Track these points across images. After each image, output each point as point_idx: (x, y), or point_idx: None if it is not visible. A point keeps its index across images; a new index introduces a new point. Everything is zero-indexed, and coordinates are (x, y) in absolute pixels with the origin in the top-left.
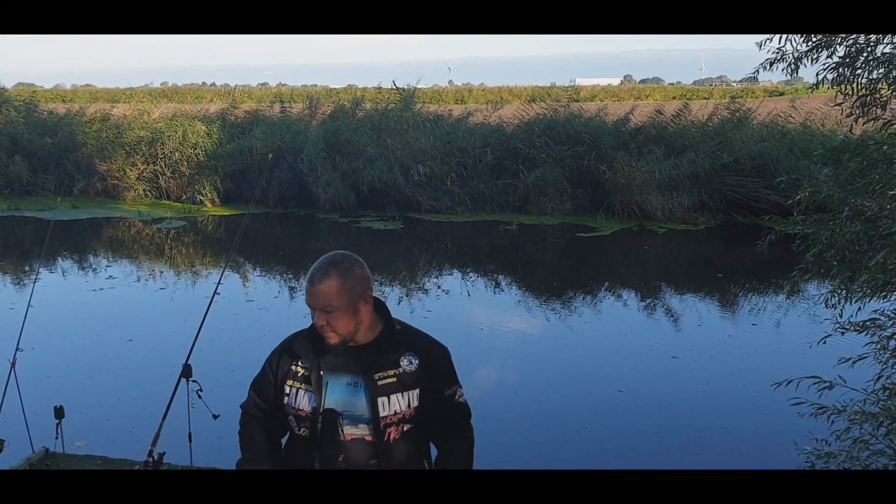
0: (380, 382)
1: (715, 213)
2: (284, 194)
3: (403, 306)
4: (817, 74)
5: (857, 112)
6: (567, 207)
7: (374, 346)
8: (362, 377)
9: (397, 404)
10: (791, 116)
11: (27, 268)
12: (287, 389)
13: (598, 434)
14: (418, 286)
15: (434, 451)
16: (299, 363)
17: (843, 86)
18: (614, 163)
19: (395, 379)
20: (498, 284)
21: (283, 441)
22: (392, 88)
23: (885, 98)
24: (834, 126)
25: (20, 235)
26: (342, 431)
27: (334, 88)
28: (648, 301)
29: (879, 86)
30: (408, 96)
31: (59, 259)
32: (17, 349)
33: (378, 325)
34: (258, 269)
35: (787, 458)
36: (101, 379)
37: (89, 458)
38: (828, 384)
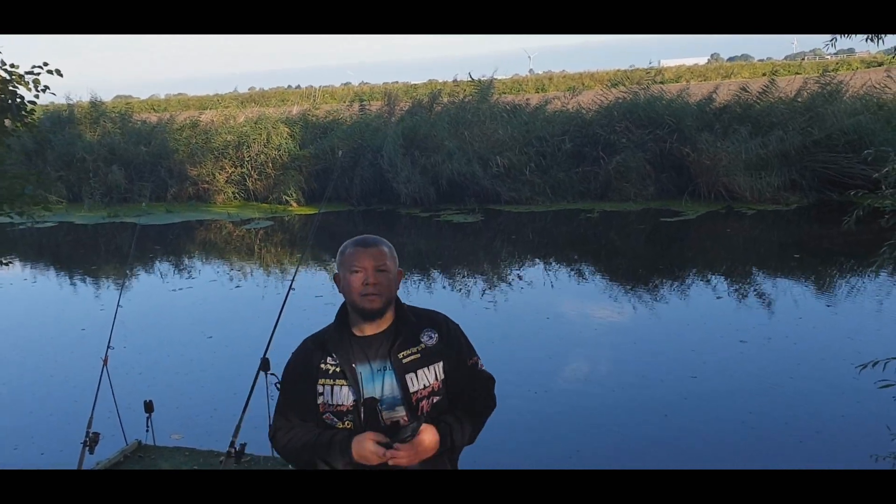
0: (405, 360)
1: (807, 192)
2: (366, 191)
3: (486, 298)
4: None
5: None
6: (650, 192)
7: (392, 330)
8: (388, 361)
9: (425, 378)
10: (888, 87)
11: (128, 272)
12: (320, 389)
13: (678, 421)
14: (500, 278)
15: None
16: (328, 361)
17: None
18: (698, 144)
19: (418, 355)
20: (581, 274)
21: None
22: (468, 81)
23: None
24: None
25: (119, 240)
26: (382, 417)
27: (414, 84)
28: (734, 286)
29: None
30: (484, 88)
31: (154, 261)
32: (108, 347)
33: (392, 311)
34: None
35: (879, 444)
36: (187, 375)
37: (178, 450)
38: None
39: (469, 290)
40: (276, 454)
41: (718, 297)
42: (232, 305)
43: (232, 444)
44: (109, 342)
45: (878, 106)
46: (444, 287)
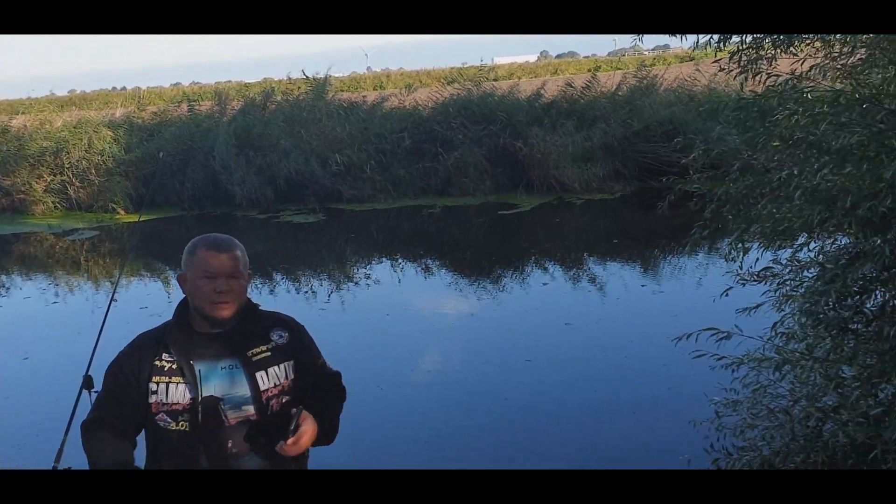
0: (255, 358)
1: (630, 181)
2: (199, 194)
3: (334, 298)
4: (697, 37)
5: (745, 68)
6: (488, 187)
7: (240, 327)
8: (237, 358)
9: (275, 377)
10: (697, 80)
11: None
12: (153, 387)
13: (518, 402)
14: (347, 277)
15: None
16: (164, 357)
17: (724, 44)
18: (529, 139)
19: (269, 353)
20: (427, 269)
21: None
22: (303, 79)
23: (771, 54)
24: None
25: None
26: (226, 417)
27: (248, 83)
28: (565, 273)
29: (764, 43)
30: (319, 85)
31: None
32: None
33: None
34: (171, 273)
35: (699, 410)
36: (2, 399)
37: None
38: (725, 334)
39: (315, 292)
40: None
41: (545, 284)
42: (53, 322)
43: (54, 469)
44: None
45: (689, 97)
46: (288, 290)
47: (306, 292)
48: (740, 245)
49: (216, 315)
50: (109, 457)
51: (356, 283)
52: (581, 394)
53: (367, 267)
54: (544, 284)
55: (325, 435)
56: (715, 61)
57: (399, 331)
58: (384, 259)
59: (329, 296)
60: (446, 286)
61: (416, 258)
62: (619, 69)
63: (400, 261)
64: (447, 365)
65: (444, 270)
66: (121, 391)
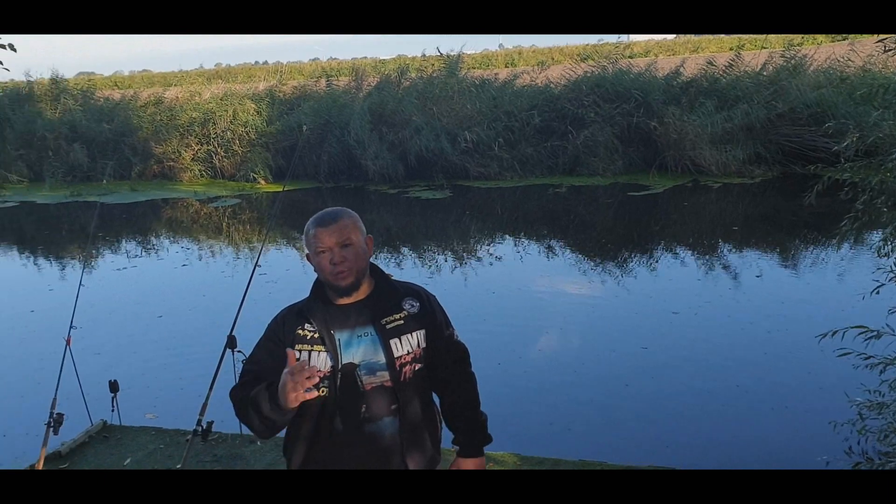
0: (389, 326)
1: (771, 165)
2: (334, 168)
3: (457, 273)
4: None
5: None
6: (618, 167)
7: (374, 297)
8: (371, 326)
9: (408, 344)
10: (850, 61)
11: (92, 252)
12: (297, 354)
13: (639, 392)
14: (470, 253)
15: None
16: (306, 326)
17: None
18: (665, 118)
19: (402, 321)
20: (551, 249)
21: None
22: (437, 56)
23: None
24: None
25: (83, 220)
26: (362, 382)
27: (383, 59)
28: (698, 259)
29: None
30: (452, 62)
31: (118, 240)
32: (71, 327)
33: (371, 279)
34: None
35: (839, 411)
36: (153, 354)
37: (143, 430)
38: (875, 333)
39: (439, 266)
40: (243, 431)
41: (686, 271)
42: (198, 284)
43: (199, 423)
44: (72, 322)
45: (840, 79)
46: (414, 264)
47: (431, 266)
48: (895, 239)
49: (339, 284)
50: (245, 401)
51: (479, 260)
52: (714, 387)
53: (491, 244)
54: (673, 269)
55: (476, 442)
56: (879, 41)
57: (517, 308)
58: (508, 237)
59: (452, 271)
60: (568, 267)
61: (539, 238)
62: (765, 48)
63: (523, 240)
64: (563, 347)
65: (567, 251)
66: (269, 354)
